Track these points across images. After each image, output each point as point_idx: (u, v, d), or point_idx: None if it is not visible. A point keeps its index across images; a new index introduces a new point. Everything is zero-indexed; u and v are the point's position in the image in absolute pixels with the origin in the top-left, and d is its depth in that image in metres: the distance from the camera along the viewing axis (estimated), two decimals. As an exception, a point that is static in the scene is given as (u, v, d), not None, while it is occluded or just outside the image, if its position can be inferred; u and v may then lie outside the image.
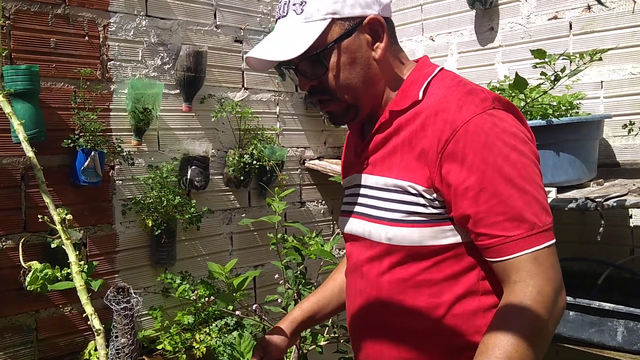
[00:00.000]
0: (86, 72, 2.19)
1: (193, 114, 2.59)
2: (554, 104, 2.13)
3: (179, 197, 2.37)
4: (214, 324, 2.34)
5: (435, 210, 1.06)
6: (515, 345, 0.94)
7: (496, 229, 1.00)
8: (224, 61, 2.71)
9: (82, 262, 1.79)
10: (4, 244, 2.05)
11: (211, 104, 2.64)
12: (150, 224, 2.34)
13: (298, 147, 3.04)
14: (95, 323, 1.71)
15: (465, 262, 1.08)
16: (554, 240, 1.01)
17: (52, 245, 1.94)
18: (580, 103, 2.24)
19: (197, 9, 2.60)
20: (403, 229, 1.08)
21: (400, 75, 1.17)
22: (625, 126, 2.24)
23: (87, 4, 2.24)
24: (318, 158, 3.11)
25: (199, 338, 2.28)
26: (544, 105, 2.10)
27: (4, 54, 1.93)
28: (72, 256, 1.75)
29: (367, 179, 1.18)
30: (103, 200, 2.31)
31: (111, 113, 2.33)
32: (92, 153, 2.14)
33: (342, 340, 2.22)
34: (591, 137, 2.13)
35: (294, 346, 1.88)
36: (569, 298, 1.89)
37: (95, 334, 1.72)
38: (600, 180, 2.19)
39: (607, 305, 1.81)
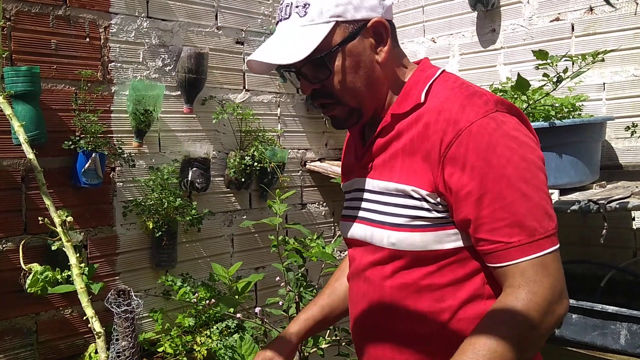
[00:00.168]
0: (87, 73, 2.18)
1: (194, 115, 2.58)
2: (557, 105, 2.13)
3: (179, 199, 2.37)
4: (214, 327, 2.34)
5: (439, 215, 1.05)
6: (493, 348, 0.93)
7: (496, 234, 0.99)
8: (225, 63, 2.70)
9: (82, 265, 1.78)
10: (4, 246, 2.04)
11: (212, 105, 2.64)
12: (151, 226, 2.34)
13: (299, 149, 3.03)
14: (96, 326, 1.71)
15: (469, 266, 1.06)
16: (556, 247, 0.99)
17: (53, 248, 1.93)
18: (582, 105, 2.24)
19: (199, 11, 2.60)
20: (406, 233, 1.07)
21: (402, 77, 1.16)
22: (627, 128, 2.23)
23: (88, 6, 2.23)
24: (319, 160, 3.10)
25: (200, 341, 2.27)
26: (547, 107, 2.09)
27: (4, 56, 1.92)
28: (72, 258, 1.74)
29: (369, 183, 1.17)
30: (104, 202, 2.30)
31: (112, 115, 2.32)
32: (93, 155, 2.14)
33: (343, 343, 2.21)
34: (594, 139, 2.13)
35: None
36: (571, 301, 1.88)
37: (96, 336, 1.72)
38: (603, 182, 2.18)
39: (610, 308, 1.80)
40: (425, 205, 1.05)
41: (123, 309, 1.96)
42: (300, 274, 2.23)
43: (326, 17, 1.06)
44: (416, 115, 1.09)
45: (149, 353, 2.26)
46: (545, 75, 2.00)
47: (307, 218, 3.06)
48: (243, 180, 2.65)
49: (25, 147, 1.79)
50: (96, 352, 2.06)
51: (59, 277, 1.96)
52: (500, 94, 2.25)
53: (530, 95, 2.09)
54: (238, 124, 2.72)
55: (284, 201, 2.22)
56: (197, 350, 2.24)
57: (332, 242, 2.35)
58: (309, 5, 1.06)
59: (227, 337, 2.29)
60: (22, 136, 1.79)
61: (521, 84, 1.95)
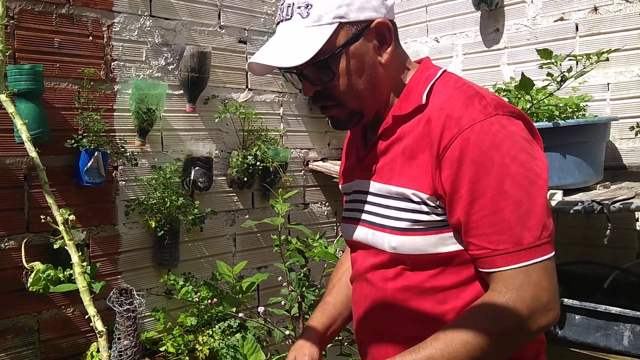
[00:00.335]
0: (90, 72, 2.18)
1: (197, 114, 2.58)
2: (561, 105, 2.12)
3: (182, 198, 2.37)
4: (217, 326, 2.33)
5: (438, 218, 1.05)
6: (458, 339, 0.95)
7: (484, 240, 0.98)
8: (228, 62, 2.70)
9: (84, 263, 1.78)
10: (6, 244, 2.04)
11: (215, 104, 2.64)
12: (153, 225, 2.33)
13: (302, 149, 3.03)
14: (98, 324, 1.70)
15: (472, 268, 1.05)
16: (547, 256, 0.97)
17: (55, 246, 1.93)
18: (586, 105, 2.23)
19: (201, 10, 2.60)
20: (407, 237, 1.06)
21: (403, 78, 1.15)
22: (632, 128, 2.22)
23: (91, 4, 2.23)
24: (322, 159, 3.10)
25: (202, 340, 2.27)
26: (551, 107, 2.08)
27: (7, 54, 1.92)
28: (74, 257, 1.74)
29: (370, 185, 1.16)
30: (106, 200, 2.30)
31: (115, 113, 2.32)
32: (96, 153, 2.14)
33: (345, 343, 2.20)
34: (598, 140, 2.12)
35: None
36: (574, 302, 1.88)
37: (98, 335, 1.72)
38: (607, 183, 2.17)
39: (613, 309, 1.80)
40: (425, 208, 1.05)
41: (125, 308, 1.96)
42: (302, 274, 2.22)
43: (329, 18, 1.04)
44: (418, 119, 1.08)
45: (151, 352, 2.25)
46: (549, 74, 1.99)
47: (309, 218, 3.05)
48: (245, 179, 2.65)
49: (28, 146, 1.79)
50: (98, 351, 2.06)
51: (61, 275, 1.96)
52: (504, 93, 2.24)
53: (534, 95, 2.08)
54: (241, 123, 2.71)
55: (287, 201, 2.21)
56: (199, 349, 2.24)
57: (335, 242, 2.35)
58: (311, 6, 1.04)
59: (229, 337, 2.29)
60: (24, 134, 1.79)
61: (525, 84, 1.94)
